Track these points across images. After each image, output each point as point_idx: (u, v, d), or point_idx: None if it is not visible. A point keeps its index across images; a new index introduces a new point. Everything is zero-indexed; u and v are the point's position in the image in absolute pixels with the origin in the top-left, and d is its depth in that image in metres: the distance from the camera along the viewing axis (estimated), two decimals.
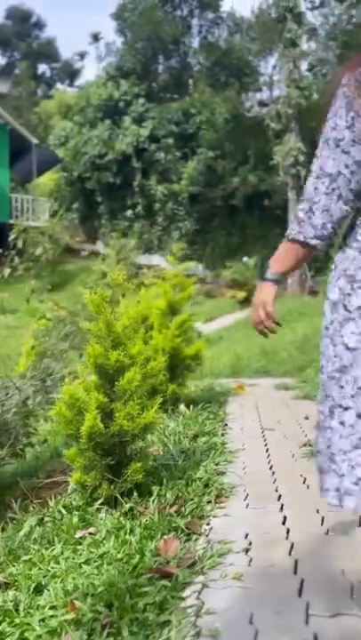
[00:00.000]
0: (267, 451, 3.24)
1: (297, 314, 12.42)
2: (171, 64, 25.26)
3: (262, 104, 19.12)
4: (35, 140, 20.66)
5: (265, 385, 6.49)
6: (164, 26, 22.48)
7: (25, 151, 21.74)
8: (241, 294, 16.52)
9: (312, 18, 16.42)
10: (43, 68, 56.50)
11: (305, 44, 15.77)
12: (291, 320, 11.79)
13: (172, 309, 4.69)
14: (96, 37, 33.52)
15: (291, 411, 4.64)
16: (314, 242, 1.36)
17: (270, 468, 2.82)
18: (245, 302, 15.53)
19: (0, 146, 19.83)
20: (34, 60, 54.47)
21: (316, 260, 17.57)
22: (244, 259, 18.40)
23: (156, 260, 22.59)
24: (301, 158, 15.40)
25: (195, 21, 25.12)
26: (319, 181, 1.31)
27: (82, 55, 56.00)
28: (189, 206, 21.10)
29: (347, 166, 1.28)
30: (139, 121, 22.06)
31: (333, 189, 1.30)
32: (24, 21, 54.06)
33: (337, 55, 18.50)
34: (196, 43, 26.04)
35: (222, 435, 3.66)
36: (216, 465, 2.80)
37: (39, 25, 56.77)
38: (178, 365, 4.54)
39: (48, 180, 25.24)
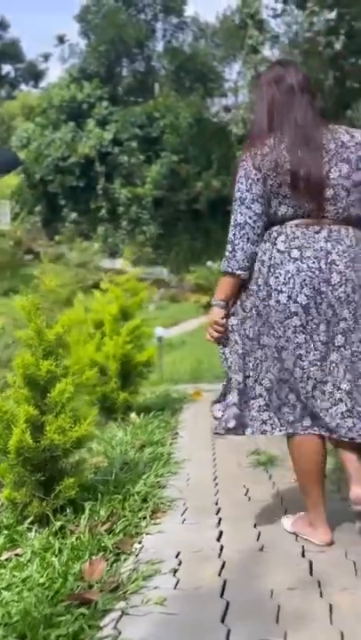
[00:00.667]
0: (214, 460, 3.18)
1: None
2: (135, 67, 25.21)
3: (227, 109, 19.24)
4: None
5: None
6: (127, 29, 22.42)
7: None
8: (205, 299, 16.53)
9: (275, 26, 16.61)
10: (7, 68, 55.71)
11: (268, 51, 15.90)
12: None
13: (125, 315, 4.59)
14: (62, 39, 33.27)
15: None
16: (238, 272, 1.79)
17: (214, 480, 2.75)
18: (209, 307, 15.59)
19: None
20: None
21: None
22: (208, 263, 18.44)
23: (120, 263, 22.44)
24: None
25: (159, 25, 25.19)
26: (235, 230, 1.76)
27: (46, 57, 55.40)
28: (153, 210, 21.06)
29: (250, 217, 1.74)
30: (102, 124, 21.92)
31: (243, 234, 1.76)
32: None
33: (299, 62, 18.77)
34: (160, 47, 26.09)
35: (171, 444, 3.58)
36: (158, 477, 2.72)
37: (3, 25, 55.89)
38: (130, 372, 4.44)
39: (9, 182, 24.78)
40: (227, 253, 1.79)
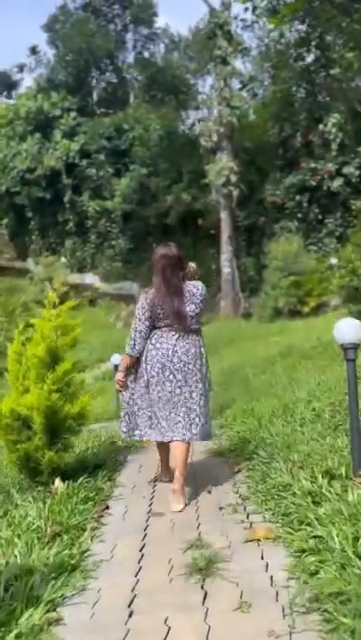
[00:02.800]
0: (139, 561, 2.51)
1: (227, 339, 11.89)
2: (105, 78, 24.68)
3: (199, 121, 18.79)
4: None
5: None
6: (96, 39, 21.88)
7: None
8: None
9: (246, 38, 16.27)
10: None
11: (238, 63, 15.51)
12: (220, 346, 11.24)
13: (54, 357, 3.91)
14: (34, 50, 32.56)
15: (198, 475, 3.95)
16: (136, 354, 3.42)
17: (129, 605, 2.08)
18: None
19: None
20: None
21: (251, 281, 17.27)
22: None
23: (89, 278, 21.69)
24: (233, 178, 15.05)
25: (129, 36, 24.72)
26: (136, 333, 3.42)
27: (21, 67, 54.85)
28: (123, 224, 20.41)
29: (145, 326, 3.41)
30: (70, 135, 21.26)
31: (141, 335, 3.42)
32: None
33: (271, 75, 18.48)
34: (131, 58, 25.62)
35: (94, 529, 2.90)
36: (53, 603, 2.04)
37: None
38: (58, 427, 3.76)
39: None
40: (131, 343, 3.44)
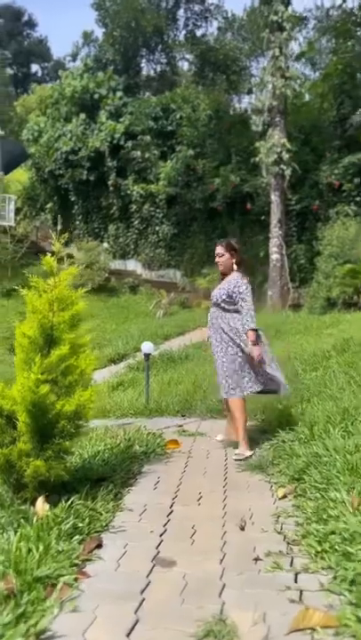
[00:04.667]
0: None
1: (273, 332, 10.80)
2: (154, 57, 23.79)
3: (253, 94, 17.54)
4: (0, 132, 19.01)
5: (214, 434, 4.86)
6: (145, 15, 20.96)
7: None
8: None
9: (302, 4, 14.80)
10: (35, 67, 55.15)
11: (294, 32, 14.22)
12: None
13: (48, 338, 3.04)
14: (86, 35, 32.03)
15: (229, 497, 3.02)
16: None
17: None
18: None
19: None
20: (25, 59, 53.16)
21: (302, 270, 16.04)
22: None
23: (131, 265, 20.97)
24: (286, 156, 13.85)
25: (180, 13, 23.67)
26: (252, 311, 4.11)
27: (74, 56, 54.93)
28: (167, 209, 19.50)
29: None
30: (116, 116, 20.49)
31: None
32: (15, 20, 52.78)
33: (333, 44, 17.05)
34: (182, 36, 24.59)
35: (70, 585, 2.01)
36: None
37: (30, 24, 55.51)
38: (48, 429, 2.90)
39: (18, 177, 23.62)
40: (254, 319, 4.11)
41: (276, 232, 14.62)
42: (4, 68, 34.49)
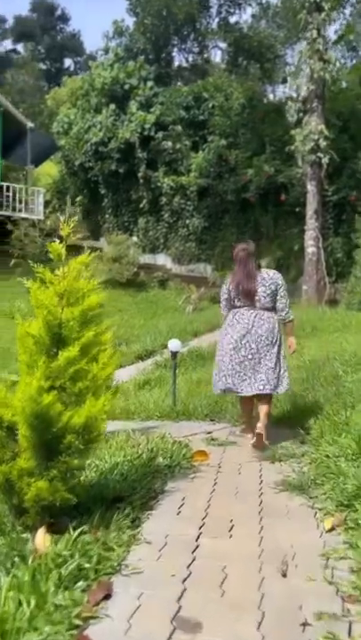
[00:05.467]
0: None
1: (309, 328, 10.21)
2: (186, 46, 23.23)
3: (290, 77, 16.79)
4: (29, 124, 18.79)
5: (247, 442, 4.38)
6: (177, 2, 20.40)
7: (22, 137, 19.94)
8: None
9: None
10: (68, 62, 55.23)
11: (333, 14, 13.46)
12: (300, 336, 9.60)
13: (56, 338, 2.61)
14: (121, 32, 31.61)
15: (266, 528, 2.54)
16: None
17: None
18: None
19: None
20: (58, 53, 53.27)
21: (339, 264, 15.33)
22: None
23: (160, 259, 20.55)
24: (323, 144, 13.15)
25: (213, 0, 23.00)
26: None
27: (107, 50, 54.93)
28: (198, 201, 18.98)
29: None
30: (146, 106, 20.02)
31: None
32: (49, 15, 52.92)
33: None
34: (214, 24, 23.94)
35: None
36: None
37: (63, 18, 55.58)
38: (53, 444, 2.47)
39: (47, 170, 23.45)
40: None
41: (311, 224, 13.96)
42: (34, 62, 34.45)
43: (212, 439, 4.49)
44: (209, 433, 4.78)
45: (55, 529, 2.49)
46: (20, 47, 52.01)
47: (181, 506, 2.91)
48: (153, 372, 9.41)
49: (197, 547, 2.38)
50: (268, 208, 17.19)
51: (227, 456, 4.01)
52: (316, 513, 2.79)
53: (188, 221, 19.41)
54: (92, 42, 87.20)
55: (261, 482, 3.37)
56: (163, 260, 20.52)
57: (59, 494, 2.44)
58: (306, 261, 14.19)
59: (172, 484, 3.27)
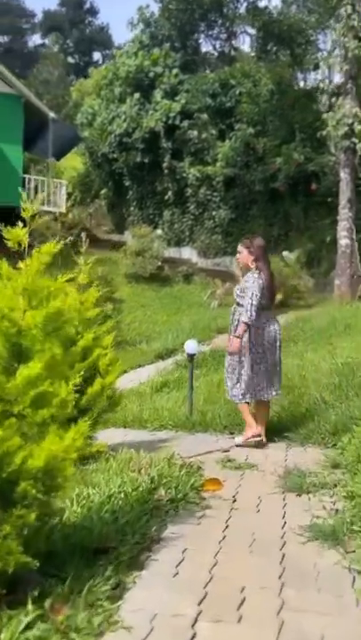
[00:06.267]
0: None
1: (342, 326, 9.45)
2: (213, 32, 22.42)
3: (322, 59, 15.88)
4: (52, 115, 18.33)
5: (268, 466, 3.74)
6: None
7: (45, 129, 19.55)
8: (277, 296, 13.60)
9: None
10: (97, 55, 54.86)
11: None
12: (332, 335, 8.87)
13: (15, 351, 2.02)
14: (148, 23, 30.95)
15: (289, 610, 1.91)
16: None
17: None
18: (281, 306, 12.61)
19: (12, 119, 17.61)
20: (87, 47, 52.93)
21: None
22: (284, 253, 15.43)
23: (186, 253, 19.90)
24: (358, 127, 12.28)
25: None
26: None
27: (134, 41, 54.47)
28: (225, 191, 18.25)
29: None
30: (171, 94, 19.35)
31: None
32: (77, 8, 52.60)
33: None
34: (242, 9, 23.02)
35: None
36: None
37: (92, 11, 55.18)
38: (6, 491, 1.89)
39: (71, 163, 23.03)
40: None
41: (345, 214, 13.11)
42: (59, 53, 34.14)
43: (229, 460, 3.86)
44: (225, 451, 4.15)
45: (13, 598, 1.92)
46: (48, 41, 51.87)
47: (180, 563, 2.29)
48: (172, 373, 8.83)
49: (193, 636, 1.76)
50: (298, 198, 16.37)
51: (245, 484, 3.38)
52: (353, 578, 2.14)
53: (214, 213, 18.71)
54: (121, 35, 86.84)
55: (284, 524, 2.73)
56: (188, 253, 19.88)
57: (12, 558, 1.85)
58: (338, 254, 13.35)
59: (172, 527, 2.65)
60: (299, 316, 12.08)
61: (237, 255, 4.50)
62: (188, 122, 18.66)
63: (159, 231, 19.74)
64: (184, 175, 19.05)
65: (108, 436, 4.62)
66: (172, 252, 19.80)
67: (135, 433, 5.52)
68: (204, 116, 18.44)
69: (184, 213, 19.77)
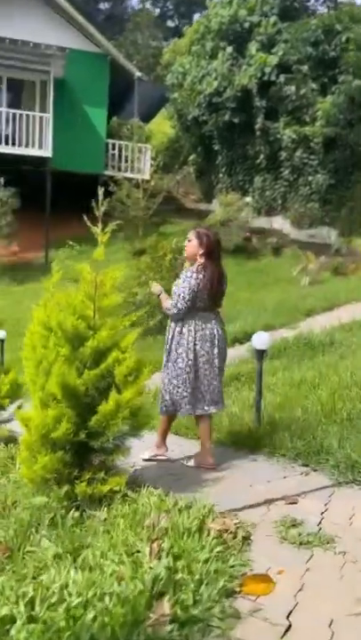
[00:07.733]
0: None
1: None
2: None
3: None
4: (138, 74, 17.27)
5: (353, 542, 2.49)
6: None
7: (132, 90, 18.57)
8: None
9: None
10: (197, 17, 52.88)
11: None
12: None
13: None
14: None
15: None
16: None
17: None
18: None
19: (98, 80, 16.79)
20: (187, 9, 51.03)
21: None
22: None
23: (277, 223, 18.25)
24: None
25: None
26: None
27: None
28: (324, 154, 16.32)
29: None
30: (268, 47, 17.49)
31: None
32: None
33: None
34: None
35: None
36: None
37: None
38: None
39: (159, 127, 21.92)
40: None
41: None
42: (150, 13, 32.82)
43: (294, 524, 2.61)
44: (292, 503, 2.90)
45: None
46: (148, 4, 50.55)
47: None
48: (247, 363, 7.58)
49: None
50: None
51: (311, 577, 2.15)
52: None
53: (310, 178, 16.85)
54: None
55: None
56: (279, 223, 18.21)
57: None
58: None
59: None
60: None
61: (186, 242, 3.88)
62: (285, 76, 16.77)
63: (248, 199, 18.20)
64: (278, 137, 17.29)
65: (145, 446, 3.64)
66: (262, 222, 18.25)
67: (181, 446, 4.43)
68: (304, 68, 16.46)
69: (277, 179, 18.06)
